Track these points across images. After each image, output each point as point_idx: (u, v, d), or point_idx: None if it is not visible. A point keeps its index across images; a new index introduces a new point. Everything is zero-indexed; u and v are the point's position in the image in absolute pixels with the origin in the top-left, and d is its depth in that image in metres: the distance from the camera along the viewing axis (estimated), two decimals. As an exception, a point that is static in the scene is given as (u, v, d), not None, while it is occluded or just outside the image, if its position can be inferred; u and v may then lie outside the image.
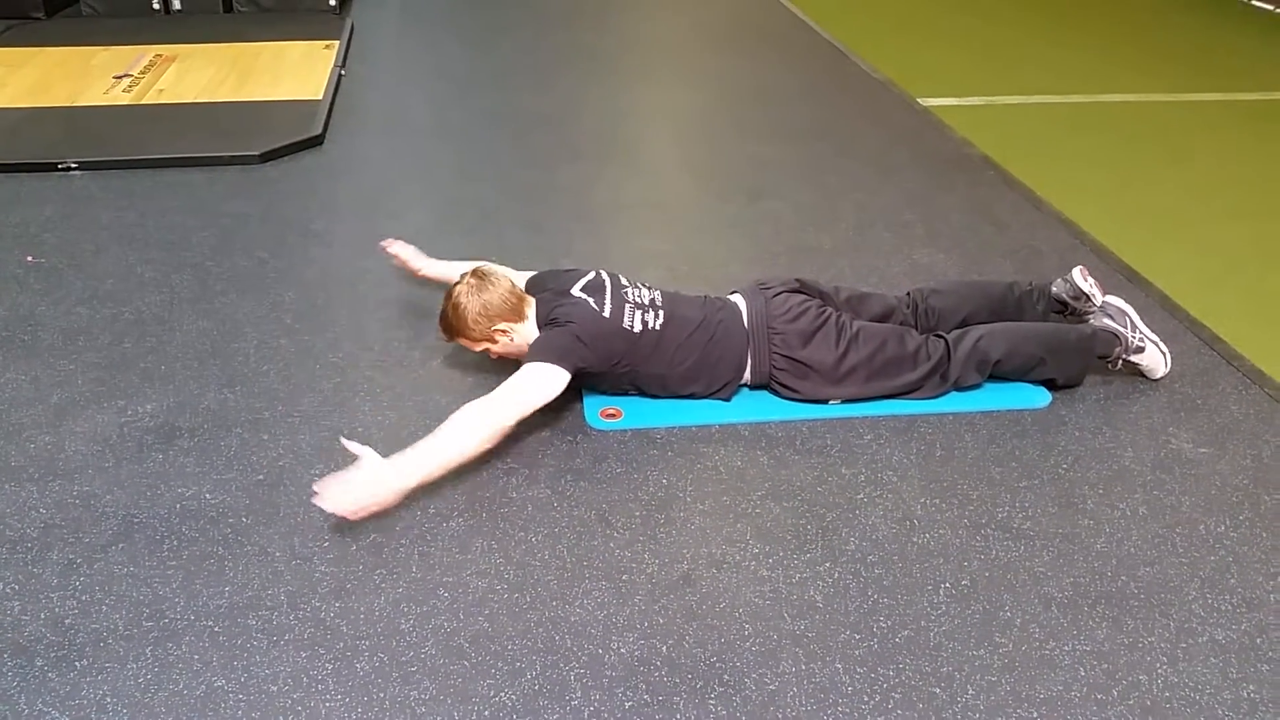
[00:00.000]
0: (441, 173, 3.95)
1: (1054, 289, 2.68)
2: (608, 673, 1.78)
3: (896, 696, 1.75)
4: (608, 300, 2.41)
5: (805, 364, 2.44)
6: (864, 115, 4.61)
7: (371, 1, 6.59)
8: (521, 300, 2.46)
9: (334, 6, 6.11)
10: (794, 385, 2.47)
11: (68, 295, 2.97)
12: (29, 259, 3.19)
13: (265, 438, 2.37)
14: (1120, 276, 3.13)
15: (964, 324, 2.59)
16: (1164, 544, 2.10)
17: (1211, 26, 6.31)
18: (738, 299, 2.54)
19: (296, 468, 2.27)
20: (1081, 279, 2.64)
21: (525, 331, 2.44)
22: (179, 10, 6.01)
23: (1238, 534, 2.13)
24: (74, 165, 3.83)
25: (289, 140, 4.05)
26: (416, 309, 2.92)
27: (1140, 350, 2.57)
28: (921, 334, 2.53)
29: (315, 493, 2.01)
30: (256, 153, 3.94)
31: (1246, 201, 3.82)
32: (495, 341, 2.45)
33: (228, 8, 6.08)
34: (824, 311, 2.48)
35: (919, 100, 4.79)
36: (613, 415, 2.43)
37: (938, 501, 2.21)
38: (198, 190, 3.69)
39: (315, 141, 4.13)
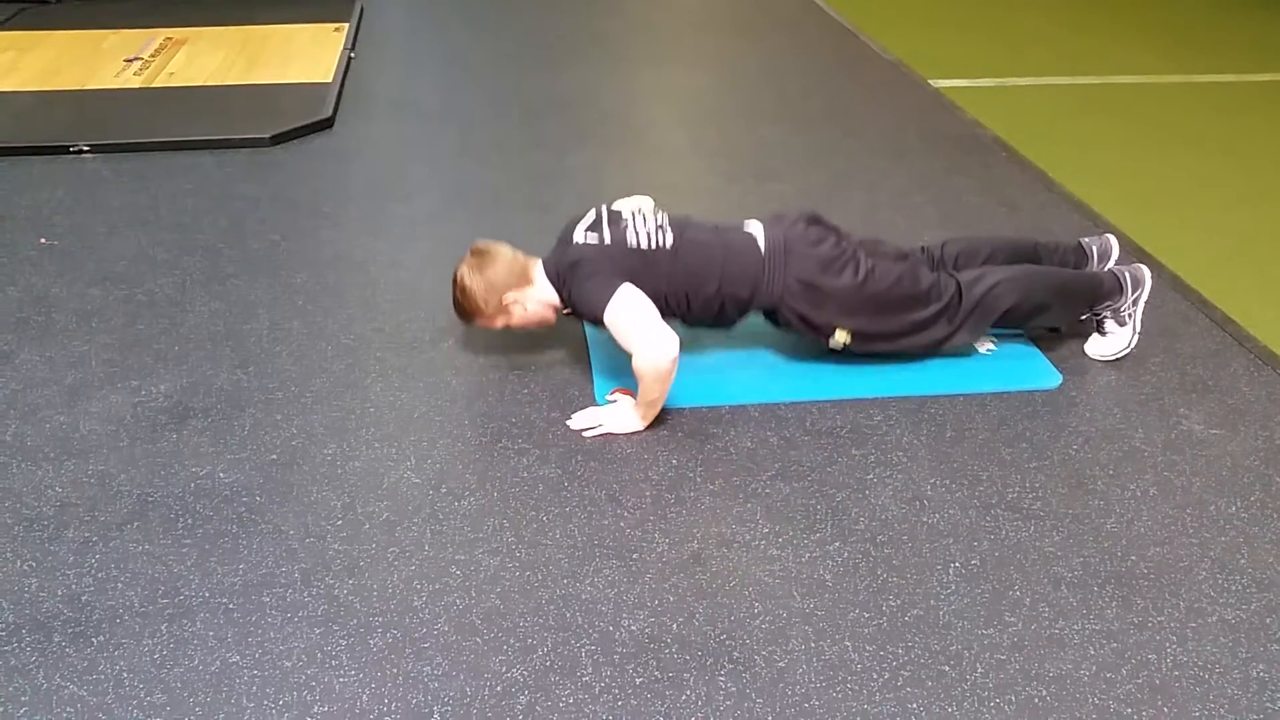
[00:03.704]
0: (451, 155, 3.95)
1: (1084, 239, 2.72)
2: (618, 650, 1.79)
3: (906, 674, 1.76)
4: (606, 233, 2.37)
5: (821, 290, 2.38)
6: (874, 97, 4.59)
7: (381, -16, 6.58)
8: (526, 265, 2.44)
9: (343, -11, 6.09)
10: (804, 311, 2.41)
11: (81, 277, 2.99)
12: (42, 241, 3.21)
13: (278, 418, 2.38)
14: (1132, 257, 3.11)
15: (981, 265, 2.57)
16: (1174, 524, 2.10)
17: (1224, 7, 6.25)
18: (753, 225, 2.48)
19: (309, 447, 2.29)
20: (1115, 247, 2.71)
21: (536, 294, 2.43)
22: (188, -7, 6.00)
23: (1248, 515, 2.13)
24: (85, 148, 3.84)
25: (299, 123, 4.05)
26: (428, 290, 2.93)
27: (1120, 323, 2.57)
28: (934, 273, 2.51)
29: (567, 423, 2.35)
30: (267, 135, 3.94)
31: (1259, 183, 3.80)
32: (510, 313, 2.44)
33: (237, -9, 6.06)
34: (842, 243, 2.44)
35: (930, 82, 4.77)
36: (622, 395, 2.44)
37: (948, 482, 2.21)
38: (209, 173, 3.70)
39: (325, 124, 4.13)
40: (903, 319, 2.44)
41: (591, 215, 2.45)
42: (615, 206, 2.55)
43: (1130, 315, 2.57)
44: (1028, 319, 2.53)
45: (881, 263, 2.44)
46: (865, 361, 2.57)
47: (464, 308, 2.45)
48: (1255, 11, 6.16)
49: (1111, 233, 3.23)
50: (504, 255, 2.43)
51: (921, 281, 2.45)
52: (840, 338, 2.44)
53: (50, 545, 2.01)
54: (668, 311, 2.40)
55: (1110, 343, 2.61)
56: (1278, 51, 5.40)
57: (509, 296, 2.41)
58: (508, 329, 2.50)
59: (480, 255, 2.43)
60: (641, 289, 2.31)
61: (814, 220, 2.49)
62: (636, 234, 2.37)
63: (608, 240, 2.36)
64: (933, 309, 2.44)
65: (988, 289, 2.46)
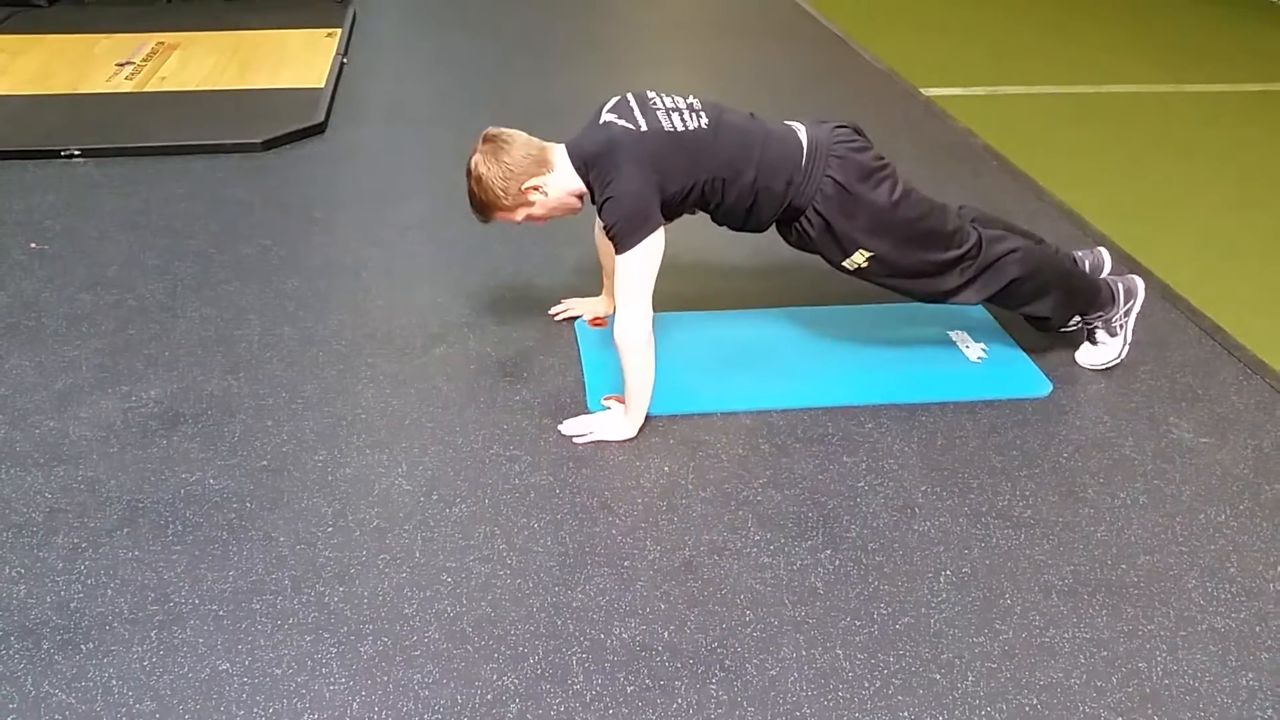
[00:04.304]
0: (444, 160, 3.93)
1: (1077, 252, 2.71)
2: (609, 657, 1.79)
3: (897, 683, 1.76)
4: (639, 116, 2.25)
5: (856, 198, 2.28)
6: (867, 104, 4.60)
7: (374, -11, 6.58)
8: (544, 149, 2.30)
9: (336, -6, 6.09)
10: (832, 218, 2.30)
11: (71, 282, 2.98)
12: (33, 245, 3.19)
13: (269, 424, 2.38)
14: (1122, 267, 3.12)
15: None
16: (1164, 533, 2.11)
17: (1216, 17, 6.29)
18: (795, 123, 2.38)
19: (300, 453, 2.28)
20: (1106, 260, 2.70)
21: (558, 181, 2.29)
22: (181, -3, 5.99)
23: (1238, 523, 2.14)
24: (77, 152, 3.83)
25: (291, 128, 4.04)
26: (420, 296, 2.92)
27: (1111, 334, 2.58)
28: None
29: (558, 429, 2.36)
30: (259, 140, 3.93)
31: (1248, 192, 3.82)
32: (531, 203, 2.30)
33: (230, -5, 6.06)
34: (884, 158, 2.36)
35: (922, 90, 4.79)
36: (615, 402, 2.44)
37: (939, 490, 2.21)
38: (200, 177, 3.70)
39: (317, 129, 4.12)
40: (923, 256, 2.37)
41: (617, 99, 2.33)
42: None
43: (1122, 326, 2.58)
44: (1025, 301, 2.50)
45: (916, 190, 2.38)
46: (856, 367, 2.58)
47: (481, 200, 2.30)
48: (1244, 22, 6.19)
49: (1102, 242, 3.25)
50: (520, 139, 2.29)
51: (948, 222, 2.39)
52: (858, 258, 2.36)
53: (39, 551, 2.00)
54: (700, 202, 2.33)
55: (1101, 352, 2.61)
56: (1267, 61, 5.43)
57: (529, 184, 2.27)
58: (530, 221, 2.37)
59: (494, 141, 2.27)
60: (678, 178, 2.23)
61: (858, 130, 2.41)
62: (669, 115, 2.26)
63: (643, 126, 2.23)
64: (952, 254, 2.38)
65: (1005, 252, 2.41)
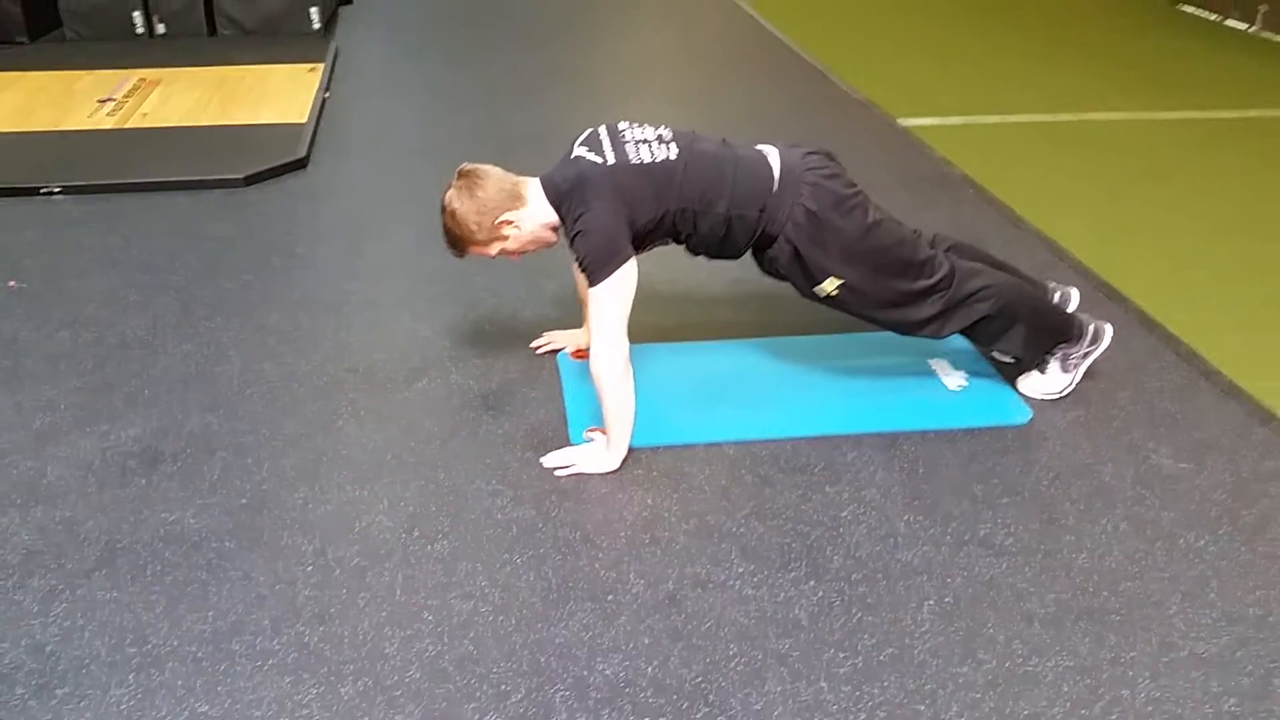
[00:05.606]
0: (427, 193, 3.91)
1: (1050, 284, 2.72)
2: (593, 694, 1.78)
3: (882, 714, 1.75)
4: (608, 149, 2.29)
5: (828, 226, 2.30)
6: (845, 135, 4.64)
7: (356, 23, 6.62)
8: (517, 184, 2.33)
9: (318, 29, 6.13)
10: (803, 246, 2.32)
11: (50, 319, 2.97)
12: (11, 283, 3.18)
13: (249, 462, 2.36)
14: (1100, 294, 3.15)
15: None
16: (1145, 559, 2.12)
17: (1189, 45, 6.38)
18: (766, 147, 2.41)
19: (280, 491, 2.27)
20: (1075, 298, 2.70)
21: (532, 215, 2.32)
22: (163, 34, 6.02)
23: (1217, 548, 2.15)
24: (57, 189, 3.82)
25: (273, 163, 4.06)
26: (402, 330, 2.92)
27: (1064, 369, 2.58)
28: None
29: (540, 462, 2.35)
30: (240, 176, 3.94)
31: (1224, 218, 3.86)
32: (505, 237, 2.33)
33: (212, 31, 6.09)
34: (855, 185, 2.38)
35: (899, 120, 4.83)
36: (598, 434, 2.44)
37: (920, 519, 2.22)
38: (182, 214, 3.70)
39: (299, 164, 4.14)
40: (894, 285, 2.38)
41: (588, 132, 2.36)
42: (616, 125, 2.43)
43: (1076, 365, 2.59)
44: (996, 338, 2.51)
45: (889, 219, 2.40)
46: (837, 396, 2.59)
47: (455, 235, 2.34)
48: (1219, 50, 6.29)
49: (1079, 268, 3.27)
50: (494, 175, 2.32)
51: (920, 251, 2.40)
52: (828, 286, 2.37)
53: (15, 594, 1.98)
54: (670, 233, 2.34)
55: (1045, 383, 2.60)
56: (1242, 89, 5.51)
57: (503, 218, 2.29)
58: (505, 255, 2.39)
59: (468, 176, 2.30)
60: (647, 210, 2.25)
61: (830, 156, 2.43)
62: (638, 147, 2.29)
63: (611, 159, 2.26)
64: (923, 283, 2.39)
65: (978, 288, 2.42)
